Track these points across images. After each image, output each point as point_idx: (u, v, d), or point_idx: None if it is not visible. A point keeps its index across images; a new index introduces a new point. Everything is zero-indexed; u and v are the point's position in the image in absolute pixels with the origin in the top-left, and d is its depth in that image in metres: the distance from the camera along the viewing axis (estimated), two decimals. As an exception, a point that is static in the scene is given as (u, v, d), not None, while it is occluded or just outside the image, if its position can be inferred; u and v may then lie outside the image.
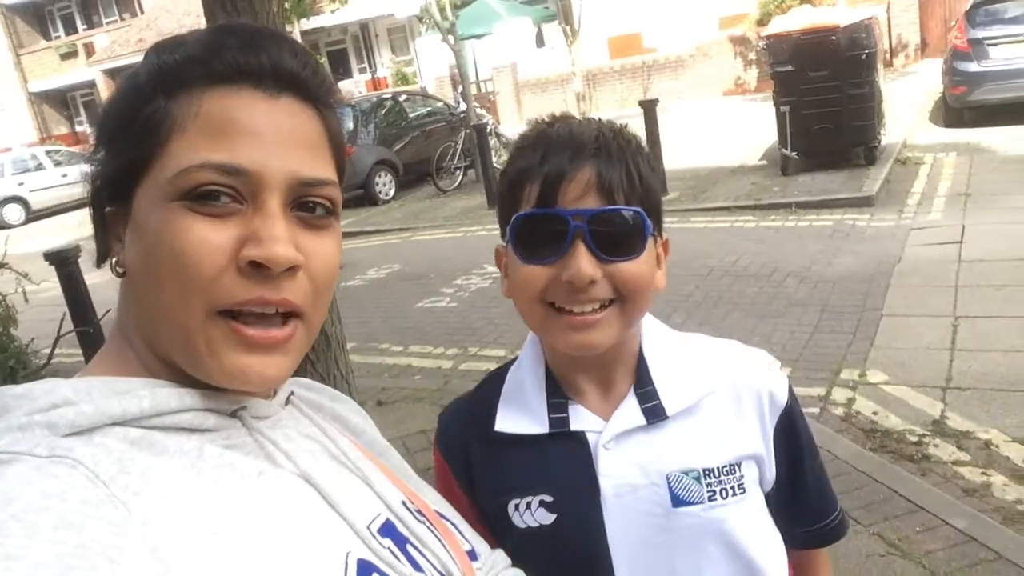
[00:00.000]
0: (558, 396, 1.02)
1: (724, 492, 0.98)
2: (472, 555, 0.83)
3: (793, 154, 9.31)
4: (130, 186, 0.68)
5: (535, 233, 0.95)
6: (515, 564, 0.89)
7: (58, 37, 35.16)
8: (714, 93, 19.11)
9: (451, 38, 13.42)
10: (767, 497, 1.07)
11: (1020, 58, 9.94)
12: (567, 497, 0.99)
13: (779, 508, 1.08)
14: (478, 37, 17.42)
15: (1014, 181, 7.99)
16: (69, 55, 33.72)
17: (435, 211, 11.91)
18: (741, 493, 0.99)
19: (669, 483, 0.98)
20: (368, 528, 0.71)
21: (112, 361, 0.71)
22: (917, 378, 4.49)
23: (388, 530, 0.74)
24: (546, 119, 1.04)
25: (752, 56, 18.84)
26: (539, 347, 1.07)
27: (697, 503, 0.97)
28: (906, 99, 13.19)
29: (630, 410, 1.00)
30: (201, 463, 0.64)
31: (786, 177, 9.36)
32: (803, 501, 1.11)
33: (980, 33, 10.28)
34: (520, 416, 1.03)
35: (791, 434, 1.07)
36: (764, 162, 10.49)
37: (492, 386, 1.09)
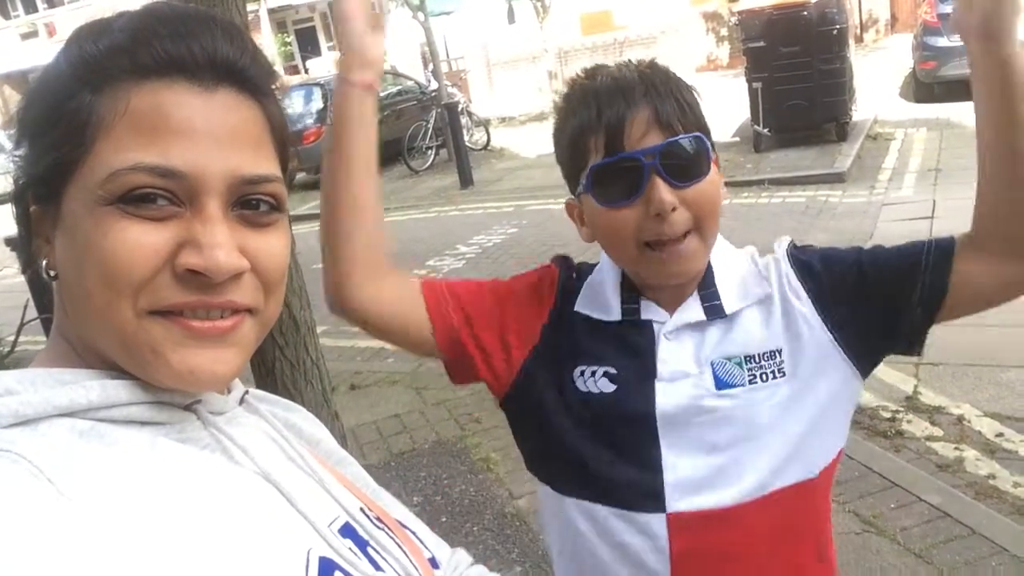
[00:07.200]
0: (632, 293, 1.14)
1: (764, 376, 1.08)
2: (433, 563, 0.81)
3: (765, 130, 9.32)
4: (58, 186, 0.63)
5: (613, 178, 1.03)
6: (572, 420, 1.09)
7: (17, 16, 34.32)
8: (687, 70, 19.06)
9: (421, 15, 13.26)
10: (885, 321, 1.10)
11: (989, 33, 9.98)
12: (628, 373, 1.10)
13: (890, 294, 1.10)
14: (448, 14, 17.23)
15: (983, 156, 8.04)
16: (29, 35, 32.94)
17: (407, 191, 11.80)
18: (781, 376, 1.08)
19: (713, 368, 1.08)
20: (329, 527, 0.69)
21: (55, 357, 0.67)
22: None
23: (348, 531, 0.72)
24: (582, 74, 1.11)
25: (724, 32, 18.84)
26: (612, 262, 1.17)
27: (739, 385, 1.07)
28: (877, 74, 13.25)
29: (692, 306, 1.11)
30: (154, 457, 0.61)
31: (759, 154, 9.38)
32: (898, 267, 1.13)
33: (950, 7, 10.28)
34: (596, 306, 1.15)
35: (810, 266, 1.11)
36: (737, 139, 10.49)
37: (585, 272, 1.22)
